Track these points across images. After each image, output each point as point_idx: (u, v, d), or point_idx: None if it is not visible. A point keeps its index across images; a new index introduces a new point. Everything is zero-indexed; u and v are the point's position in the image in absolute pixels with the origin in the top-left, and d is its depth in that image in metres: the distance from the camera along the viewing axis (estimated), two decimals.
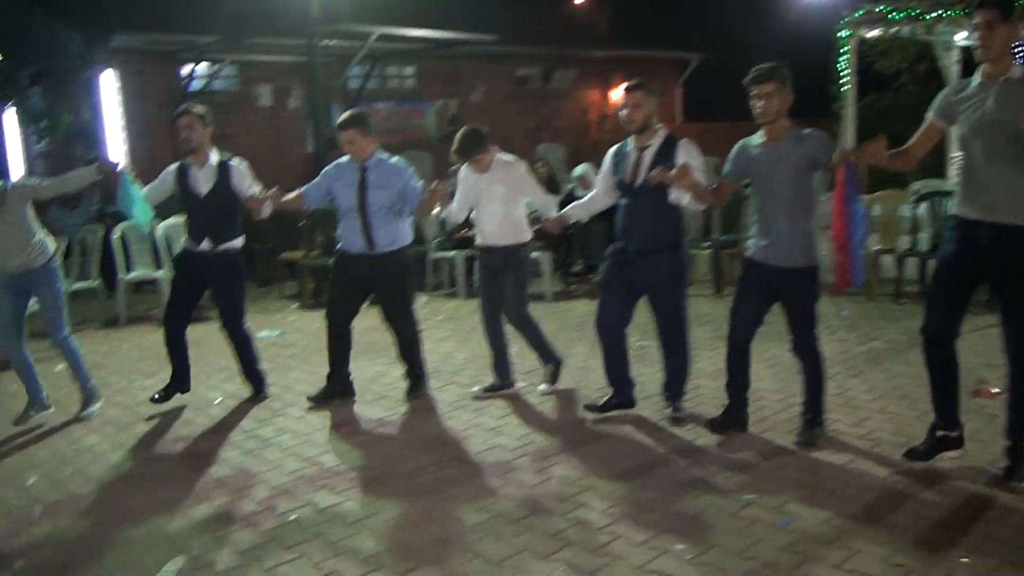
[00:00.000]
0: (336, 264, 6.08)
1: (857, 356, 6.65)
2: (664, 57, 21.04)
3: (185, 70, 14.96)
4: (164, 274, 9.30)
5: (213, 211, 5.92)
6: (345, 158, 5.89)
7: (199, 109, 5.93)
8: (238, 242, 6.06)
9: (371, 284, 5.98)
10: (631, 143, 5.17)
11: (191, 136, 5.83)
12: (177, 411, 6.15)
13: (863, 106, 12.66)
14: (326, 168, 6.05)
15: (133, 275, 9.52)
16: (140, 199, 5.85)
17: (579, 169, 10.59)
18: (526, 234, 5.97)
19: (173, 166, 6.05)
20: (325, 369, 6.18)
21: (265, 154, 14.20)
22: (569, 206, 5.79)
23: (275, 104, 15.89)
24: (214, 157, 5.94)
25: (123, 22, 14.09)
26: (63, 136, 15.53)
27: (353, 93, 15.77)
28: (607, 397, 5.54)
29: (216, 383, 6.75)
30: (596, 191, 5.51)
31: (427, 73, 17.78)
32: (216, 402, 6.33)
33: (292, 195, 5.96)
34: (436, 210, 5.95)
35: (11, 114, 16.66)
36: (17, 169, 17.86)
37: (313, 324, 8.62)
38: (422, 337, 6.19)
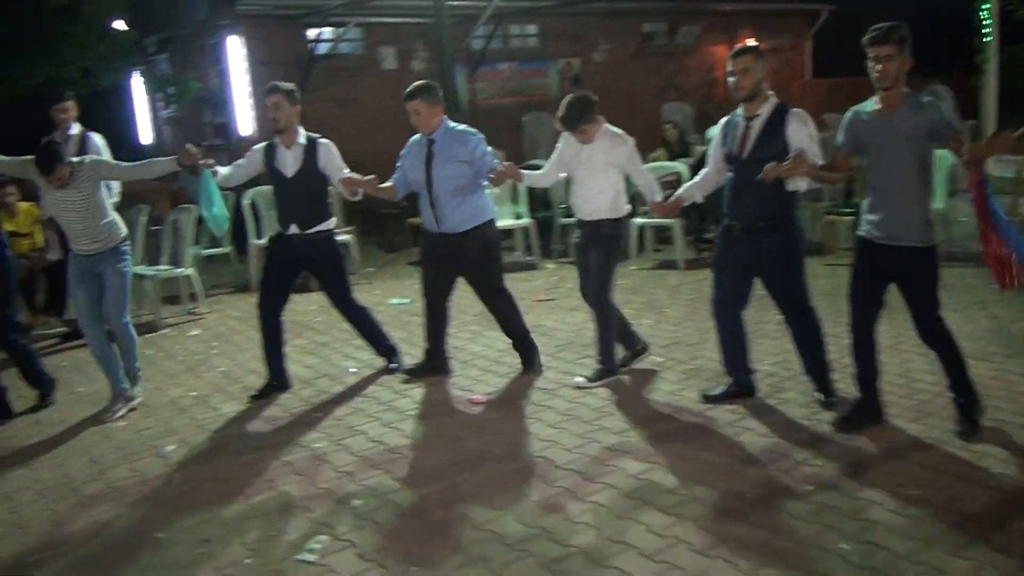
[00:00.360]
0: (422, 243, 5.96)
1: (1014, 335, 6.02)
2: (793, 9, 20.09)
3: (311, 34, 14.94)
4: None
5: (300, 193, 5.65)
6: (417, 136, 5.65)
7: (286, 86, 5.66)
8: (329, 224, 5.77)
9: (454, 263, 5.72)
10: (740, 112, 4.78)
11: (279, 116, 5.54)
12: (313, 380, 6.06)
13: (1002, 59, 11.72)
14: (403, 151, 5.78)
15: (263, 240, 9.52)
16: (219, 199, 5.75)
17: (713, 132, 10.08)
18: (621, 210, 5.57)
19: (261, 144, 5.82)
20: (458, 339, 5.98)
21: (389, 118, 14.09)
22: (684, 187, 5.36)
23: (399, 67, 15.74)
24: (302, 136, 5.66)
25: None
26: (191, 102, 15.75)
27: (477, 54, 15.52)
28: (724, 386, 5.14)
29: (351, 351, 6.64)
30: (708, 168, 5.09)
31: (550, 32, 17.36)
32: (352, 371, 6.21)
33: (387, 184, 5.70)
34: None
35: (138, 81, 17.01)
36: (146, 134, 18.36)
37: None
38: (519, 308, 5.92)
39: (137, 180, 6.19)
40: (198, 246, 8.46)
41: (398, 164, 5.78)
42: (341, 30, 14.82)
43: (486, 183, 5.59)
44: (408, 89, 5.51)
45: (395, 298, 8.28)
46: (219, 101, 15.50)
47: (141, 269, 8.16)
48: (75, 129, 7.45)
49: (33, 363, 6.04)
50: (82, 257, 5.63)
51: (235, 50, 14.53)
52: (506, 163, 5.61)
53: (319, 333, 7.35)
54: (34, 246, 8.47)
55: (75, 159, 5.58)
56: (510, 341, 5.98)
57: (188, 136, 15.08)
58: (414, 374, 5.92)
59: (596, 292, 5.52)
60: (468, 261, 5.68)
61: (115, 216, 5.76)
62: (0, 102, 13.69)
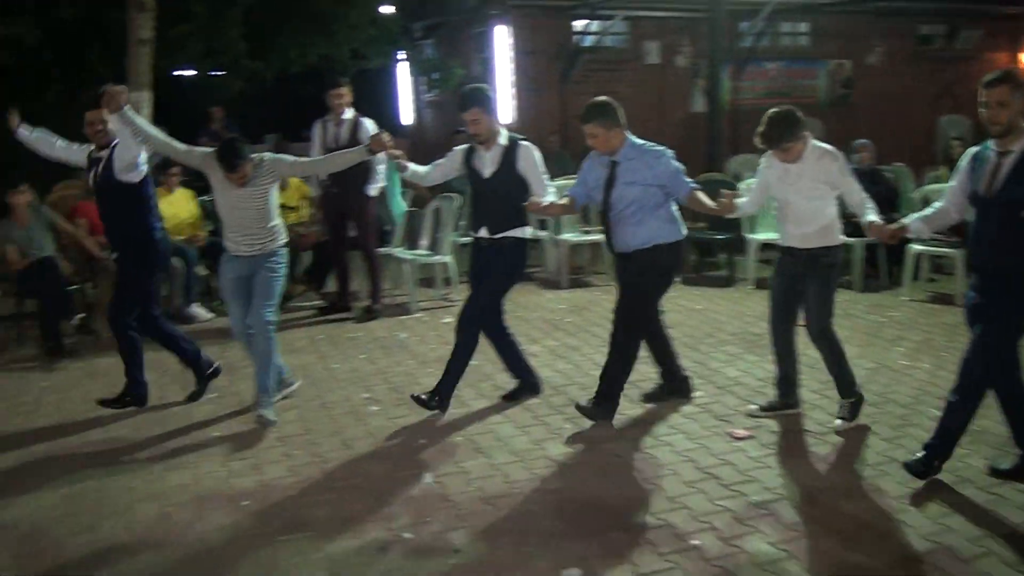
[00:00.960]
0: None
1: None
2: None
3: (577, 25, 14.82)
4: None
5: (494, 195, 5.34)
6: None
7: (481, 94, 5.27)
8: (521, 232, 5.39)
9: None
10: (991, 145, 4.07)
11: (479, 130, 5.25)
12: (563, 387, 5.83)
13: None
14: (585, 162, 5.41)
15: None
16: (398, 194, 5.64)
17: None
18: (837, 236, 4.96)
19: (463, 146, 5.57)
20: (714, 360, 5.55)
21: (649, 113, 13.79)
22: (911, 217, 4.60)
23: (662, 62, 15.33)
24: (503, 137, 5.35)
25: None
26: (453, 87, 16.06)
27: (744, 51, 14.87)
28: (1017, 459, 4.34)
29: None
30: (945, 203, 4.37)
31: (821, 30, 16.33)
32: None
33: (563, 201, 5.38)
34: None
35: (403, 64, 17.53)
36: (407, 116, 18.96)
37: (697, 303, 8.04)
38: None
39: None
40: (456, 233, 8.46)
41: (577, 178, 5.44)
42: (607, 23, 14.61)
43: (682, 201, 5.18)
44: (584, 111, 5.12)
45: None
46: None
47: (400, 252, 8.27)
48: (348, 114, 7.61)
49: (177, 345, 5.86)
50: (238, 260, 5.45)
51: (501, 39, 14.61)
52: (722, 199, 5.11)
53: (568, 335, 7.13)
54: (299, 220, 8.80)
55: (255, 156, 5.37)
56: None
57: (447, 120, 15.40)
58: (652, 398, 5.56)
59: (819, 323, 4.97)
60: (626, 280, 5.27)
61: (280, 220, 5.57)
62: (270, 77, 14.46)
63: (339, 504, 4.24)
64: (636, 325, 5.21)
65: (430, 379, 5.97)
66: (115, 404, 5.64)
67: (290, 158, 5.66)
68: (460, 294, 8.33)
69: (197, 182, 7.36)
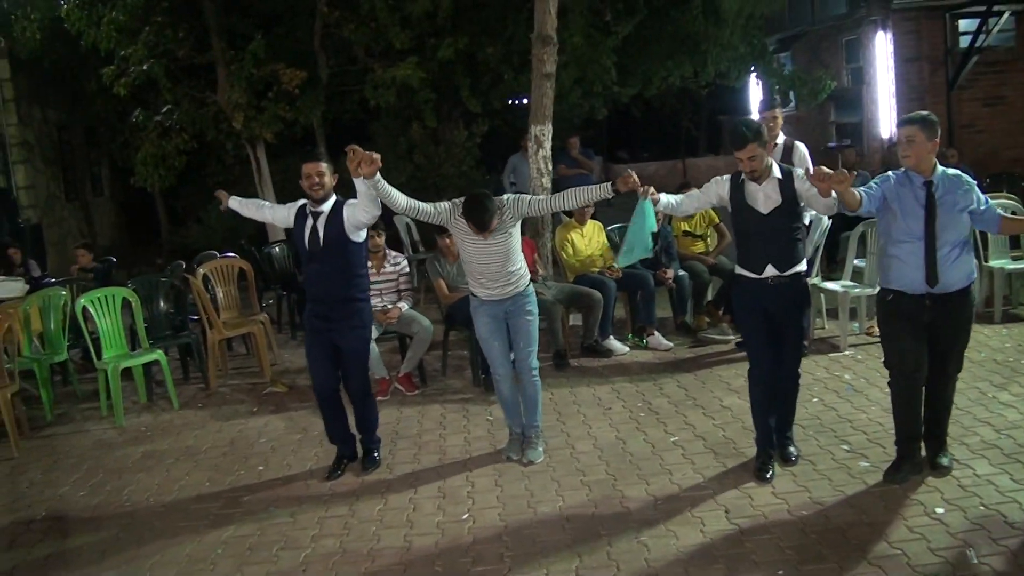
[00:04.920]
0: (896, 306, 4.75)
1: None
2: None
3: (963, 25, 13.53)
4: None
5: (774, 230, 4.86)
6: (901, 171, 4.65)
7: (756, 128, 4.79)
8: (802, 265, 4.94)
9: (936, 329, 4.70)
10: None
11: (755, 166, 4.78)
12: None
13: None
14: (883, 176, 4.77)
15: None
16: (648, 234, 5.20)
17: None
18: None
19: (726, 177, 5.01)
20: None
21: None
22: None
23: None
24: (775, 169, 4.86)
25: None
26: (815, 101, 15.18)
27: None
28: None
29: None
30: None
31: None
32: None
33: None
34: None
35: (753, 78, 16.84)
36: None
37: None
38: None
39: None
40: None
41: (875, 182, 4.74)
42: (992, 21, 13.18)
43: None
44: (909, 114, 4.65)
45: None
46: (850, 100, 14.73)
47: (819, 282, 7.68)
48: (781, 138, 7.15)
49: (372, 414, 5.71)
50: (490, 303, 5.38)
51: (880, 46, 13.61)
52: None
53: None
54: (705, 249, 8.46)
55: (496, 199, 5.14)
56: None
57: (808, 135, 14.58)
58: (896, 479, 4.76)
59: None
60: (952, 327, 4.64)
61: (523, 259, 5.44)
62: (627, 99, 14.37)
63: None
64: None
65: None
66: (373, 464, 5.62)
67: (528, 197, 5.36)
68: None
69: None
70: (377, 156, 4.88)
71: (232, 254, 9.18)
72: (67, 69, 13.89)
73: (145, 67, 11.77)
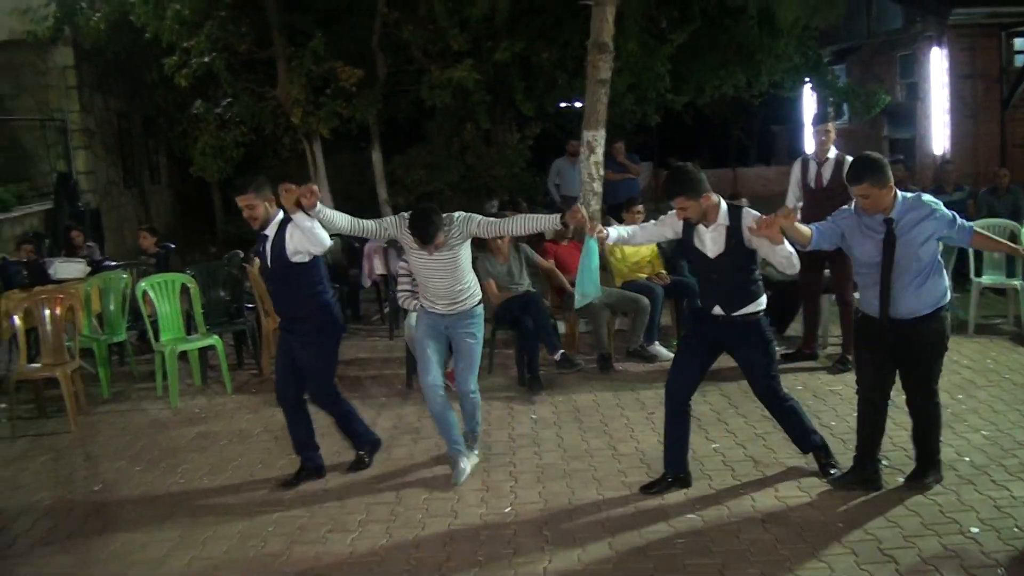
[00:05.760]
0: (860, 329, 4.91)
1: None
2: None
3: (1018, 44, 13.43)
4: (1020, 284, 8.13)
5: (721, 273, 4.89)
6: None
7: (688, 179, 4.79)
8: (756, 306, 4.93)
9: (898, 354, 4.76)
10: None
11: (687, 215, 4.85)
12: None
13: None
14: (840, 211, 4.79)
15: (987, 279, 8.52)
16: (595, 274, 5.07)
17: None
18: None
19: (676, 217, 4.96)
20: None
21: None
22: None
23: None
24: (723, 215, 4.85)
25: None
26: (868, 115, 15.12)
27: None
28: None
29: None
30: None
31: None
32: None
33: (801, 227, 4.70)
34: None
35: (808, 91, 16.80)
36: (809, 145, 18.16)
37: None
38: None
39: None
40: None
41: (831, 218, 4.79)
42: None
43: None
44: (849, 170, 4.58)
45: None
46: (903, 115, 14.66)
47: None
48: (833, 152, 7.19)
49: (349, 420, 5.71)
50: (433, 315, 5.42)
51: (936, 62, 13.54)
52: None
53: None
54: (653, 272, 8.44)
55: (444, 216, 5.17)
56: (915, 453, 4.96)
57: (860, 149, 14.49)
58: (839, 484, 4.97)
59: None
60: (914, 352, 4.68)
61: (473, 278, 5.45)
62: (679, 107, 14.40)
63: None
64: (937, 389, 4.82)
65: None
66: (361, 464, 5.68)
67: (479, 218, 5.31)
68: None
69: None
70: (315, 186, 4.91)
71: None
72: (129, 59, 14.26)
73: (207, 59, 12.10)
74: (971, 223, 4.68)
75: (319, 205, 4.93)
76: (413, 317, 7.12)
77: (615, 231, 5.15)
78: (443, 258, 5.20)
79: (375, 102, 12.97)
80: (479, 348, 5.47)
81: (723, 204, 4.86)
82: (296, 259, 5.21)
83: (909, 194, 4.63)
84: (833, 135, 7.21)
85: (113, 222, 15.39)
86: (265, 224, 5.27)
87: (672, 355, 7.75)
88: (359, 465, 5.64)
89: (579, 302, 5.38)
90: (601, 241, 5.08)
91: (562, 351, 7.18)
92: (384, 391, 7.26)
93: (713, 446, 5.71)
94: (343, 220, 5.15)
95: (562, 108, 15.96)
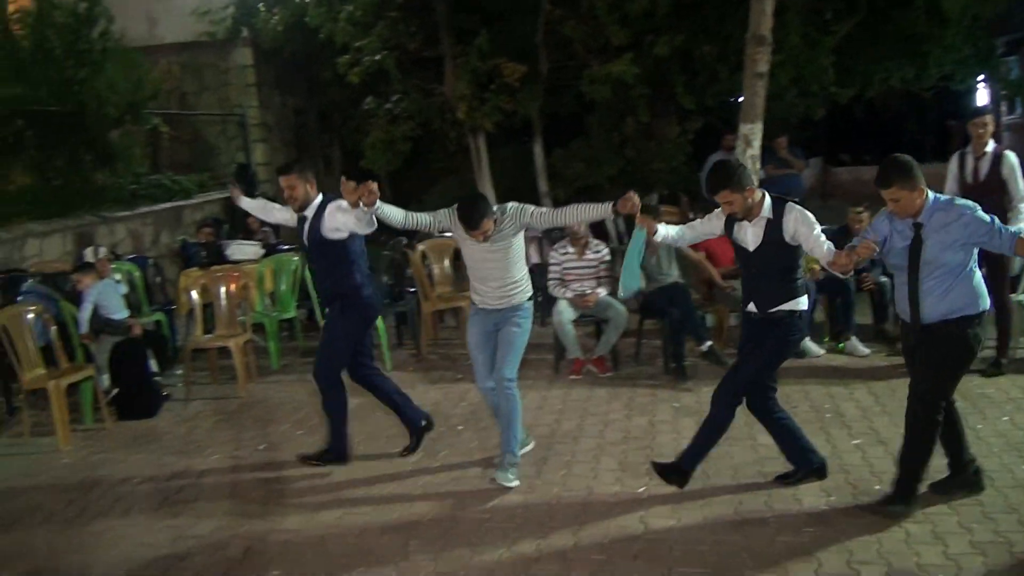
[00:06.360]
0: (901, 335, 4.89)
1: None
2: None
3: None
4: None
5: (760, 268, 4.86)
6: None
7: (726, 174, 4.73)
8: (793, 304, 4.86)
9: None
10: None
11: (731, 209, 4.80)
12: None
13: None
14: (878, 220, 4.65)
15: None
16: (638, 264, 5.02)
17: None
18: None
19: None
20: None
21: None
22: None
23: None
24: (766, 208, 4.81)
25: None
26: None
27: None
28: None
29: None
30: None
31: None
32: None
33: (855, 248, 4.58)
34: None
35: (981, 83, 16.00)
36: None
37: None
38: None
39: None
40: None
41: (872, 226, 4.69)
42: None
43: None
44: (878, 173, 4.42)
45: None
46: None
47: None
48: (991, 146, 6.96)
49: (338, 414, 5.71)
50: (484, 313, 5.38)
51: None
52: None
53: None
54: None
55: (496, 209, 5.16)
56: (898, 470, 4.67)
57: None
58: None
59: None
60: (927, 357, 4.54)
61: (526, 273, 5.41)
62: (844, 100, 13.98)
63: None
64: (942, 405, 4.60)
65: None
66: (317, 461, 5.73)
67: (532, 208, 5.25)
68: None
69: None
70: (374, 185, 5.02)
71: (449, 234, 9.79)
72: (305, 59, 15.11)
73: (377, 58, 12.72)
74: (1018, 228, 4.50)
75: (378, 203, 5.09)
76: (562, 304, 7.38)
77: (663, 229, 5.13)
78: (497, 249, 5.22)
79: (537, 97, 13.27)
80: (522, 339, 5.38)
81: (767, 198, 4.83)
82: (333, 236, 5.45)
83: (943, 196, 4.48)
84: (991, 129, 6.97)
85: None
86: (304, 205, 5.53)
87: (822, 351, 7.72)
88: (314, 458, 5.72)
89: (623, 294, 5.42)
90: (650, 234, 5.06)
91: (709, 343, 7.25)
92: (532, 374, 7.51)
93: (854, 442, 5.67)
94: (399, 215, 5.31)
95: (727, 102, 15.79)
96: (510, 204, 5.25)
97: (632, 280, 5.19)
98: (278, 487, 5.45)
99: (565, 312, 7.44)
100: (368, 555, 4.49)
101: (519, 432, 5.39)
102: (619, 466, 5.44)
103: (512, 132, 15.35)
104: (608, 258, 7.76)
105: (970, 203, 4.42)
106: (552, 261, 7.68)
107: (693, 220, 5.59)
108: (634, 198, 4.88)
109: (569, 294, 7.51)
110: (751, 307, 4.93)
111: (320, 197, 5.54)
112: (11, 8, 10.85)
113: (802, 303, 4.88)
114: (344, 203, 5.21)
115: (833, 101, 14.17)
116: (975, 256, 4.46)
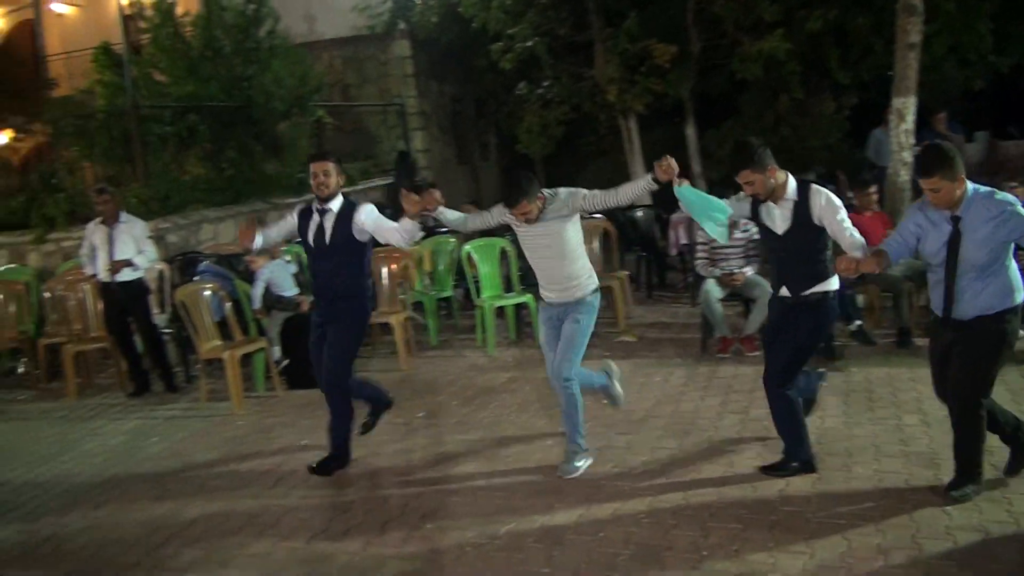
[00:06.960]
0: (930, 330, 4.74)
1: None
2: None
3: None
4: None
5: (788, 250, 4.84)
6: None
7: (750, 154, 4.65)
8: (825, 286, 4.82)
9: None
10: None
11: (753, 190, 4.73)
12: None
13: None
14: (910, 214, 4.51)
15: None
16: (705, 205, 4.79)
17: None
18: None
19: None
20: None
21: None
22: None
23: None
24: (790, 190, 4.77)
25: None
26: None
27: None
28: None
29: None
30: None
31: None
32: None
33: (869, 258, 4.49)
34: None
35: None
36: None
37: None
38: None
39: None
40: None
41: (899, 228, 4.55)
42: None
43: None
44: (920, 162, 4.36)
45: None
46: None
47: None
48: None
49: (344, 423, 5.67)
50: (550, 307, 5.30)
51: None
52: None
53: None
54: None
55: (548, 191, 5.07)
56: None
57: None
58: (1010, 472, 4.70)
59: None
60: (964, 353, 4.40)
61: (588, 266, 5.27)
62: (1005, 70, 13.29)
63: None
64: (983, 401, 4.54)
65: None
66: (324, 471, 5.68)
67: (585, 191, 5.09)
68: None
69: None
70: (438, 193, 5.16)
71: (599, 215, 10.02)
72: (460, 48, 15.60)
73: (529, 44, 13.03)
74: None
75: (440, 208, 5.26)
76: (710, 283, 7.48)
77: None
78: (548, 233, 5.12)
79: (688, 78, 13.25)
80: (582, 335, 5.21)
81: (791, 180, 4.76)
82: (358, 237, 5.43)
83: (982, 188, 4.29)
84: None
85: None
86: (331, 196, 5.44)
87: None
88: (315, 469, 5.63)
89: (717, 232, 4.94)
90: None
91: (859, 323, 7.20)
92: (679, 352, 7.67)
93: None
94: (457, 219, 5.47)
95: (886, 75, 15.22)
96: (563, 189, 5.19)
97: (716, 214, 4.90)
98: (438, 451, 5.88)
99: (713, 291, 7.53)
100: (515, 512, 4.85)
101: (582, 425, 5.33)
102: (760, 443, 5.53)
103: (663, 113, 15.34)
104: (756, 238, 7.79)
105: (1011, 197, 4.28)
106: (700, 240, 7.77)
107: (851, 199, 5.59)
108: (670, 160, 4.76)
109: (717, 273, 7.59)
110: (783, 291, 4.91)
111: (341, 196, 5.49)
112: (179, 11, 11.74)
113: (833, 283, 4.87)
114: (372, 209, 5.44)
115: (995, 71, 13.50)
116: (1011, 249, 4.35)
